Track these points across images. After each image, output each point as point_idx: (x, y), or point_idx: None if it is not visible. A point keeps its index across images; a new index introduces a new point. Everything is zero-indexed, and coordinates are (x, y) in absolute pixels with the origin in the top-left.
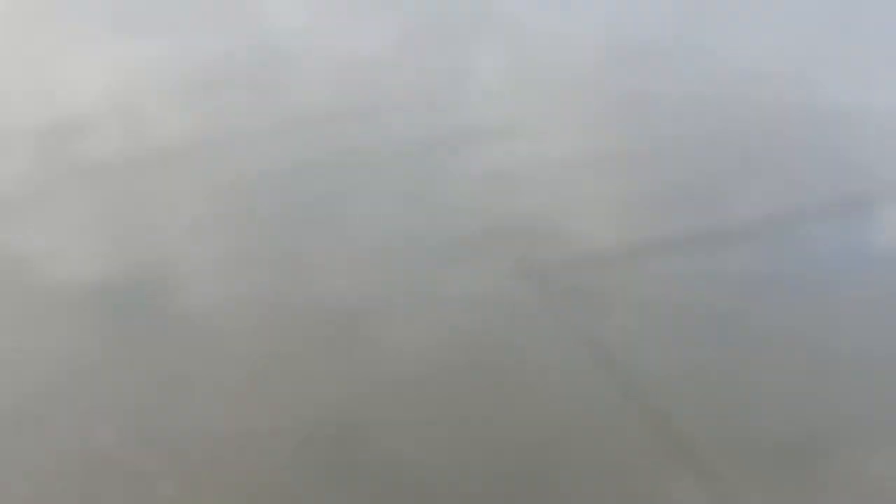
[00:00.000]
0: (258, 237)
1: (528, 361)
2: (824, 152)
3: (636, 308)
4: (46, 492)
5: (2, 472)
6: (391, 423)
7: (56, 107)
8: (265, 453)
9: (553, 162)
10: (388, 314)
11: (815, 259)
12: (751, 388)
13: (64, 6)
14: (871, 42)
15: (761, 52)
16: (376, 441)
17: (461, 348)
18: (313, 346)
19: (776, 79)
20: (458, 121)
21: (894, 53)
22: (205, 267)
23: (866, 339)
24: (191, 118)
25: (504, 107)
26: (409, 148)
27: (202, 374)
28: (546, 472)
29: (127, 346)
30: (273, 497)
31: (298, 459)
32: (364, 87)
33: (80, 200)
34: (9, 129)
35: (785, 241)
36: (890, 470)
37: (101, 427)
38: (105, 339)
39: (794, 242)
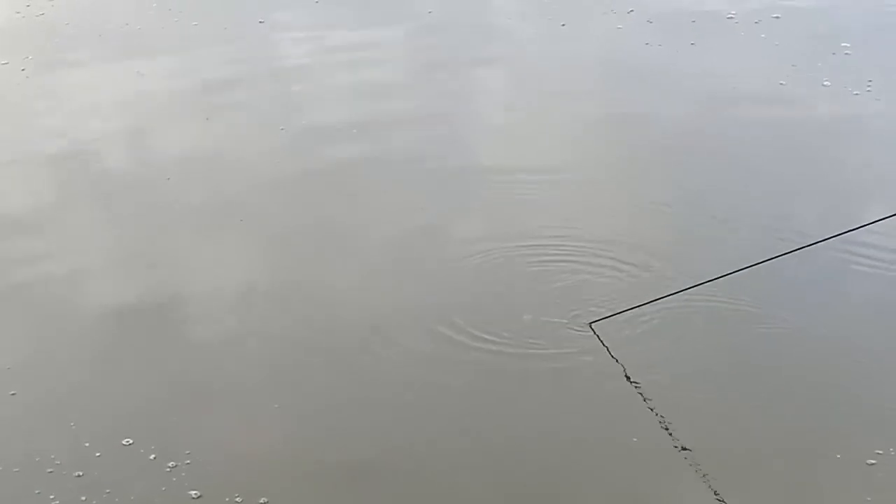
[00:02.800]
0: (272, 253)
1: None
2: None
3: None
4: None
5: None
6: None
7: (69, 130)
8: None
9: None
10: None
11: None
12: None
13: (74, 30)
14: (845, 65)
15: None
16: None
17: None
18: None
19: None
20: (463, 143)
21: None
22: (219, 286)
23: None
24: (201, 138)
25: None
26: (419, 173)
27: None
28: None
29: (145, 357)
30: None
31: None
32: (371, 105)
33: (96, 221)
34: (25, 155)
35: None
36: None
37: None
38: (100, 363)
39: None
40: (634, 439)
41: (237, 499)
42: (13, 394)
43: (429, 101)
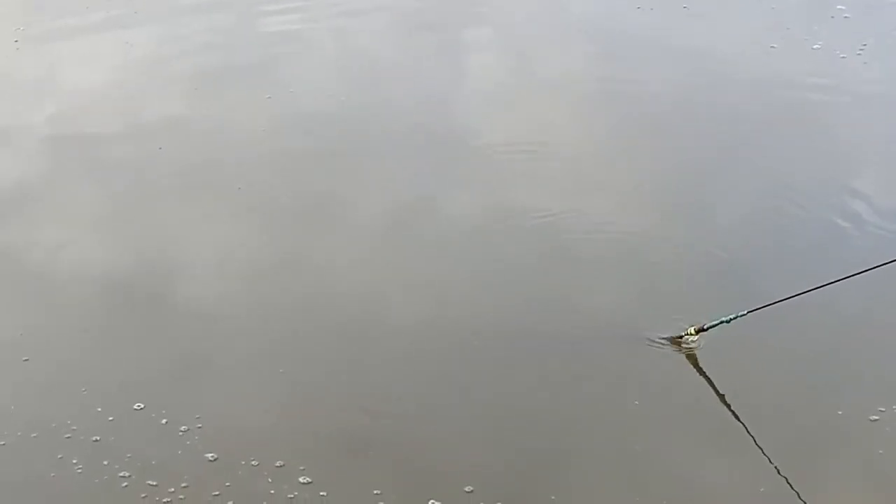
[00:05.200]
0: (260, 227)
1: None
2: None
3: None
4: None
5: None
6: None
7: (57, 104)
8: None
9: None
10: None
11: None
12: None
13: (63, 1)
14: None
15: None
16: None
17: None
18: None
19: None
20: (459, 120)
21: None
22: (208, 257)
23: None
24: (192, 113)
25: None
26: (415, 143)
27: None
28: None
29: (137, 328)
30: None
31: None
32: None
33: (86, 194)
34: (18, 125)
35: None
36: None
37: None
38: (109, 329)
39: None
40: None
41: (253, 462)
42: (26, 360)
43: (417, 69)
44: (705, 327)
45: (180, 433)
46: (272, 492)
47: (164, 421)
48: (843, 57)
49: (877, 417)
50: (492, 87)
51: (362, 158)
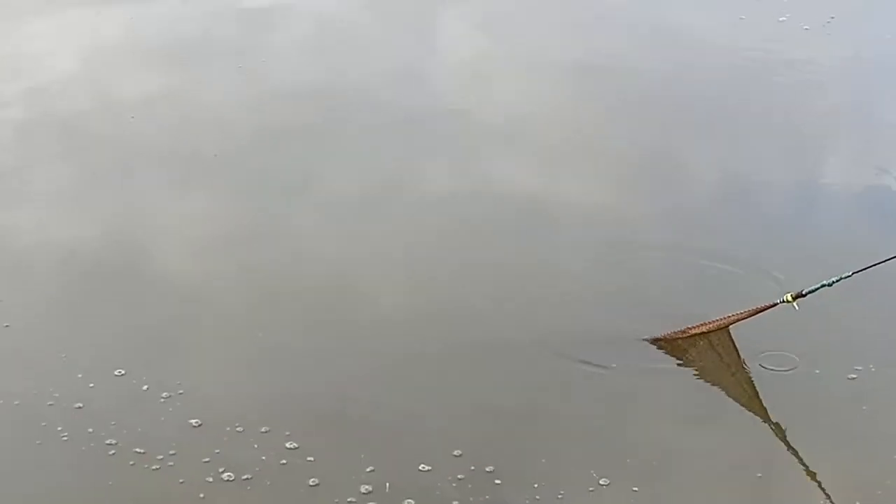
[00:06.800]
0: (231, 202)
1: None
2: None
3: None
4: None
5: None
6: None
7: (27, 76)
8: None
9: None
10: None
11: None
12: None
13: None
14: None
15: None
16: None
17: None
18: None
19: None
20: (435, 99)
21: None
22: (181, 230)
23: None
24: (164, 87)
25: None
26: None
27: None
28: None
29: (115, 296)
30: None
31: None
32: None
33: (60, 165)
34: None
35: None
36: None
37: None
38: (87, 297)
39: None
40: None
41: (238, 428)
42: (7, 325)
43: (394, 44)
44: (804, 293)
45: (162, 399)
46: (263, 458)
47: (145, 387)
48: (807, 29)
49: None
50: (466, 64)
51: (337, 130)
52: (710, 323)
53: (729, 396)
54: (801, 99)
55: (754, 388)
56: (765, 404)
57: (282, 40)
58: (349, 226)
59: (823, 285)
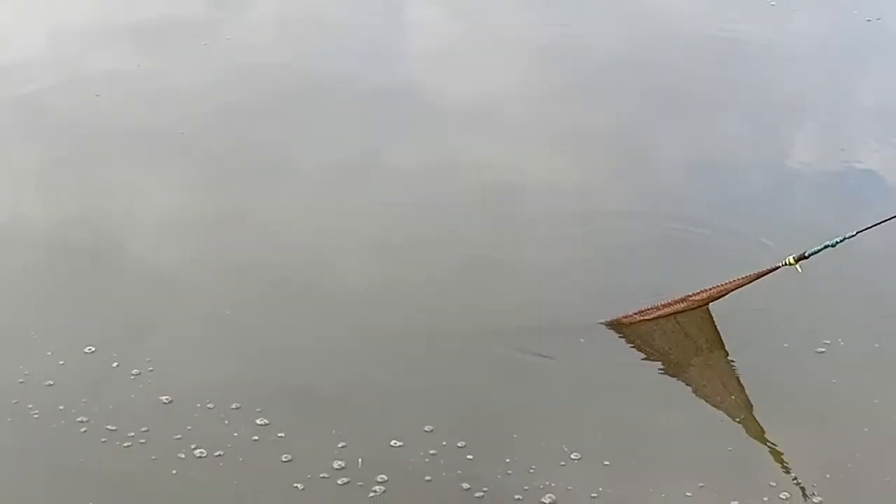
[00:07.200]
0: (199, 180)
1: None
2: None
3: None
4: None
5: None
6: None
7: None
8: None
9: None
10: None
11: None
12: None
13: None
14: None
15: None
16: None
17: None
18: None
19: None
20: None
21: None
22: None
23: None
24: (130, 65)
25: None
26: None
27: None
28: None
29: (83, 276)
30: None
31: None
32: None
33: (24, 144)
34: None
35: None
36: None
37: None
38: (55, 276)
39: None
40: None
41: (209, 405)
42: None
43: (360, 23)
44: (807, 254)
45: (132, 377)
46: (235, 434)
47: (115, 364)
48: (773, 5)
49: None
50: (434, 43)
51: (304, 109)
52: (701, 292)
53: (698, 374)
54: (768, 75)
55: (725, 363)
56: (733, 379)
57: (248, 19)
58: (317, 204)
59: (826, 246)
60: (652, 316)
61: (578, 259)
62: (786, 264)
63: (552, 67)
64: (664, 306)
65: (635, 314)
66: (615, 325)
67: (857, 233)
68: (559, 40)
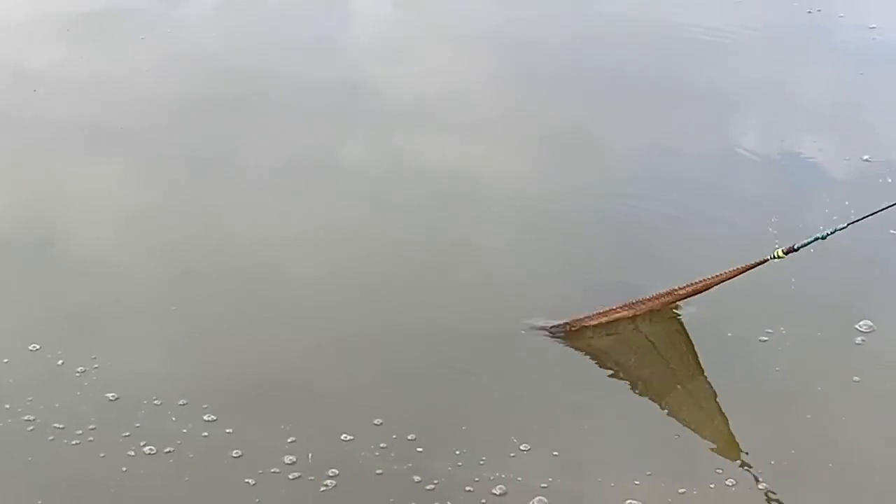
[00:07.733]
0: (140, 177)
1: None
2: None
3: None
4: None
5: None
6: None
7: None
8: None
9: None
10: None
11: None
12: None
13: None
14: None
15: None
16: None
17: None
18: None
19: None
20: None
21: None
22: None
23: None
24: (67, 59)
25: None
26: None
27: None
28: None
29: (25, 273)
30: None
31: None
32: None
33: None
34: None
35: None
36: None
37: None
38: (1, 278)
39: None
40: None
41: (156, 401)
42: None
43: (306, 17)
44: (796, 247)
45: (77, 374)
46: (183, 430)
47: (60, 362)
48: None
49: None
50: (385, 36)
51: (248, 104)
52: (686, 286)
53: (646, 361)
54: (717, 65)
55: (671, 352)
56: (681, 367)
57: (188, 13)
58: (264, 202)
59: (817, 238)
60: (630, 313)
61: (532, 249)
62: (774, 257)
63: (501, 58)
64: (640, 303)
65: (610, 310)
66: (575, 324)
67: (848, 224)
68: (505, 30)
